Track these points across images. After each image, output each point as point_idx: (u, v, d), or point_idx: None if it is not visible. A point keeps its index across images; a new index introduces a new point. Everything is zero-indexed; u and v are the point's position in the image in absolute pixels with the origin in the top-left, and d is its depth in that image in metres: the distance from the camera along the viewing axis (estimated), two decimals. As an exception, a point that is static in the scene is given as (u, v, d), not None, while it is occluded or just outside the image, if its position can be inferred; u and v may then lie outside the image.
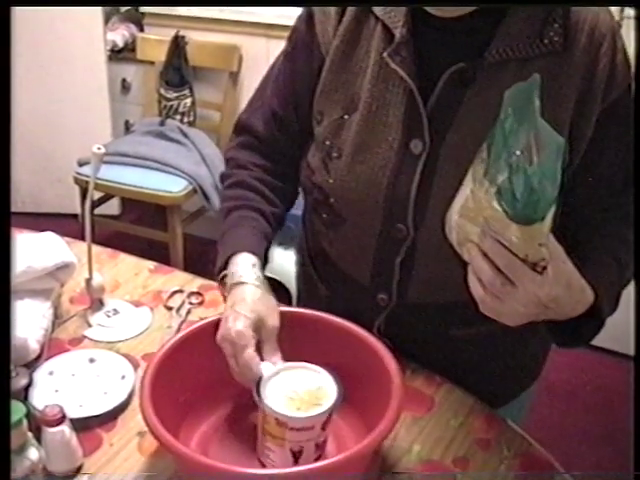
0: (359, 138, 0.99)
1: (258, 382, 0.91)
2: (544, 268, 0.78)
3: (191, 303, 1.27)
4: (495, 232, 0.77)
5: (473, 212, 0.79)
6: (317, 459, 0.91)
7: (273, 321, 0.96)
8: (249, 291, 0.97)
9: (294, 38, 1.08)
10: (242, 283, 0.98)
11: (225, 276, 1.02)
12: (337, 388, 0.90)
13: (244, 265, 1.01)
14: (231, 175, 1.15)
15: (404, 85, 0.96)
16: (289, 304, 1.07)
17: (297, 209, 2.54)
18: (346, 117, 1.01)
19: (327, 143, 1.03)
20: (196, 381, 0.98)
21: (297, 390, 0.90)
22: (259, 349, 0.94)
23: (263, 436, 0.91)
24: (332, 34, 1.02)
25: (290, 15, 2.55)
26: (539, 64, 0.92)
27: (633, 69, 0.94)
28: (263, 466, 0.92)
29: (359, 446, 0.83)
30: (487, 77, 0.93)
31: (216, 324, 0.98)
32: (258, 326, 0.94)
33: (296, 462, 0.89)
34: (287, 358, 0.95)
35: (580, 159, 0.97)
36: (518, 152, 0.72)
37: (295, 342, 0.96)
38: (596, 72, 0.92)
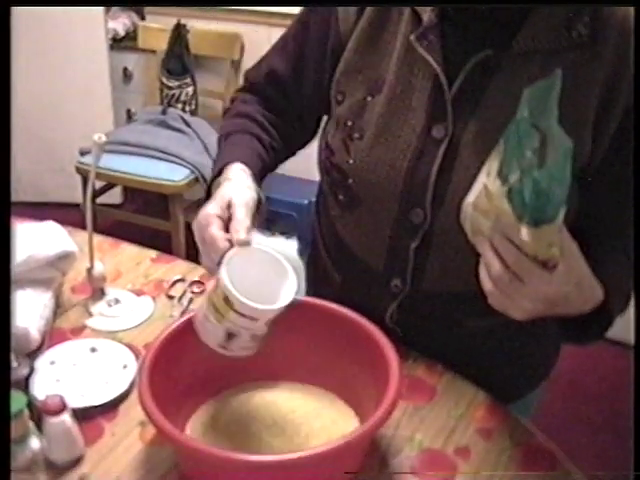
0: (382, 120, 1.00)
1: (224, 255, 0.87)
2: (554, 266, 0.77)
3: (193, 292, 1.27)
4: (505, 229, 0.77)
5: (485, 206, 0.79)
6: (248, 349, 0.88)
7: (240, 198, 0.93)
8: (226, 183, 0.97)
9: (312, 8, 1.08)
10: (225, 180, 0.98)
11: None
12: (296, 288, 0.86)
13: (230, 170, 1.00)
14: (230, 109, 1.18)
15: (430, 70, 0.96)
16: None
17: (301, 198, 2.54)
18: (369, 99, 1.01)
19: (349, 124, 1.03)
20: (195, 369, 0.98)
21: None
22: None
23: (207, 302, 0.87)
24: (354, 14, 1.02)
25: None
26: (566, 57, 0.91)
27: (633, 67, 0.92)
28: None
29: (354, 434, 0.83)
30: (513, 67, 0.93)
31: None
32: (226, 205, 0.92)
33: (227, 341, 0.86)
34: (283, 346, 0.95)
35: (602, 155, 0.95)
36: (529, 153, 0.71)
37: (291, 329, 0.96)
38: (625, 67, 0.91)
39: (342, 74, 1.04)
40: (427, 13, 0.95)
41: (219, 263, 0.85)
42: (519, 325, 0.85)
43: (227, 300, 0.83)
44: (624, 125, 0.93)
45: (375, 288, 1.10)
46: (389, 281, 1.08)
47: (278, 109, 1.15)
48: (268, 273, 0.88)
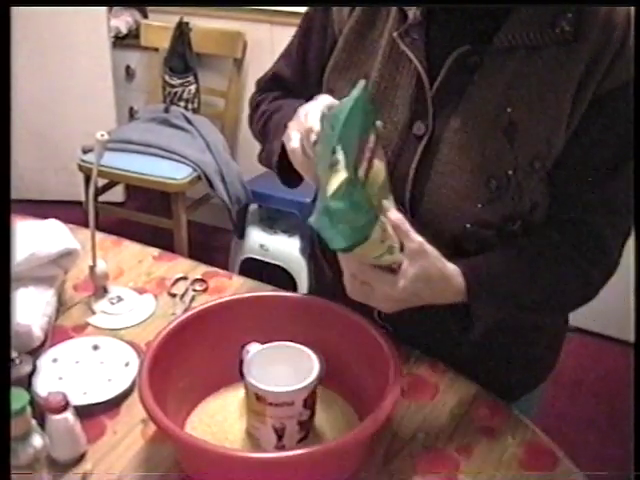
0: None
1: (241, 360, 0.93)
2: (399, 266, 0.82)
3: (195, 290, 1.27)
4: None
5: None
6: (302, 439, 0.91)
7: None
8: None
9: (310, 16, 1.10)
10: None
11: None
12: (319, 366, 0.91)
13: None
14: (262, 100, 1.18)
15: (413, 67, 0.96)
16: (294, 291, 1.06)
17: (301, 197, 2.55)
18: None
19: None
20: (194, 366, 0.98)
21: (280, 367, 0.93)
22: None
23: (248, 413, 0.93)
24: (347, 14, 1.03)
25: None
26: (548, 53, 0.91)
27: (633, 68, 0.91)
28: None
29: (354, 432, 0.84)
30: (494, 63, 0.92)
31: (213, 309, 0.97)
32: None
33: (280, 439, 0.90)
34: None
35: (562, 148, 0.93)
36: (323, 185, 0.72)
37: (290, 327, 0.96)
38: (598, 63, 0.90)
39: (331, 72, 1.05)
40: (412, 10, 0.95)
41: (241, 370, 0.92)
42: (512, 326, 0.85)
43: (259, 397, 0.88)
44: (587, 118, 0.92)
45: None
46: None
47: None
48: (288, 361, 0.94)
